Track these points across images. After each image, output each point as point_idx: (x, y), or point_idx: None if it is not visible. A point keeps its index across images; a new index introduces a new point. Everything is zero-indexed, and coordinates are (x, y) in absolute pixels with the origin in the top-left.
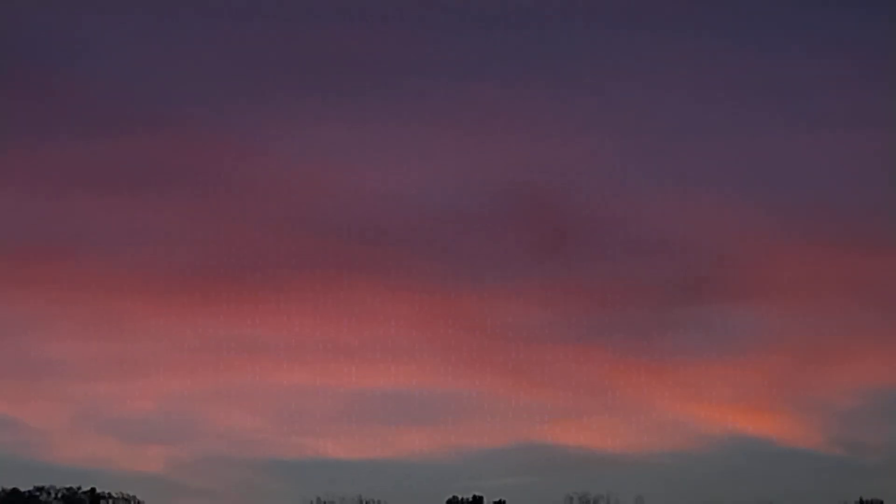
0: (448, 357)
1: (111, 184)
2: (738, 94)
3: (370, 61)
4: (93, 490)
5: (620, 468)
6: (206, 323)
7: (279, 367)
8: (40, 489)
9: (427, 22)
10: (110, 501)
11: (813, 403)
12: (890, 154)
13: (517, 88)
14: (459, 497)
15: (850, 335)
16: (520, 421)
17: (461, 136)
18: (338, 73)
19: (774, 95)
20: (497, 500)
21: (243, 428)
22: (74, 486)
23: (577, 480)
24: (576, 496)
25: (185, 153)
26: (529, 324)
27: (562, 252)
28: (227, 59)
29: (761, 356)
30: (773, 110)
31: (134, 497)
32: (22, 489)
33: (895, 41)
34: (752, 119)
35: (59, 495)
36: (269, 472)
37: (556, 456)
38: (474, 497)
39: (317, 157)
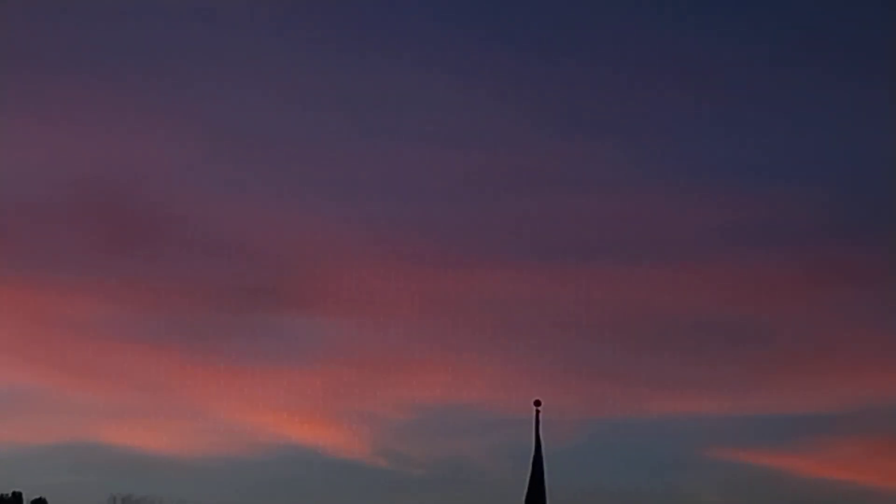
0: (11, 351)
1: None
2: (329, 103)
3: None
4: None
5: (170, 470)
6: None
7: None
8: None
9: (8, 10)
10: None
11: (365, 415)
12: (479, 174)
13: (92, 80)
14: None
15: (410, 351)
16: (73, 418)
17: (31, 127)
18: None
19: (369, 106)
20: (37, 497)
21: None
22: None
23: (124, 481)
24: (119, 497)
25: None
26: (95, 321)
27: (133, 250)
28: None
29: (323, 367)
30: (366, 121)
31: None
32: None
33: (493, 57)
34: (344, 129)
35: None
36: None
37: (106, 455)
38: (14, 493)
39: None
